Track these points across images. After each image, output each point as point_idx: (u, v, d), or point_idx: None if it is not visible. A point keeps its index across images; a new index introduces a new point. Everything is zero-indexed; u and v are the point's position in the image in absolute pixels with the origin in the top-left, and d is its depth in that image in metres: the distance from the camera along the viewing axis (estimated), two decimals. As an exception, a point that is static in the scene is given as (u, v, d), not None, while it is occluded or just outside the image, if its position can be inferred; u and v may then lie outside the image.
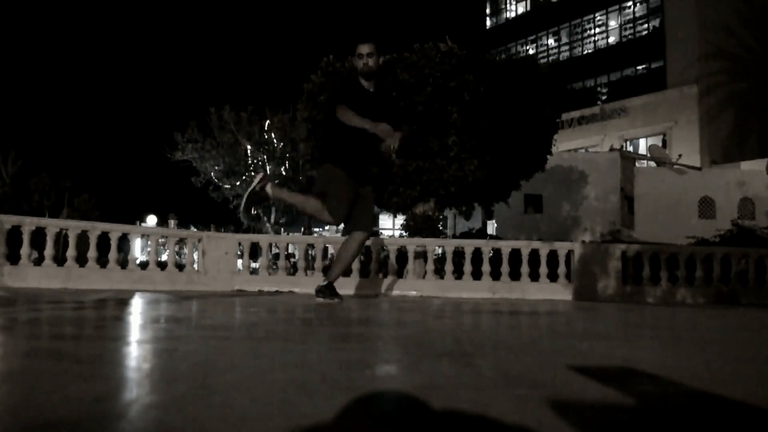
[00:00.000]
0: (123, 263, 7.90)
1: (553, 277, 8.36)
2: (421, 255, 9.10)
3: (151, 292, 6.71)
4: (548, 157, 12.06)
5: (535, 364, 2.06)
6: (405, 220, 11.77)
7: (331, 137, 5.35)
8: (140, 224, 29.82)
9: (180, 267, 8.37)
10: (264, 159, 30.28)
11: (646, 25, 31.98)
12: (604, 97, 32.51)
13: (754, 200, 21.19)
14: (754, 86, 27.74)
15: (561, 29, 35.96)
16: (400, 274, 8.65)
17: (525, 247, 8.49)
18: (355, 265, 8.02)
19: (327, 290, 5.03)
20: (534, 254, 8.42)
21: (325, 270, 8.85)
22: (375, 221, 4.94)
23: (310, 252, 10.85)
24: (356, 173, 4.99)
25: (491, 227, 24.38)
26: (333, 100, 5.38)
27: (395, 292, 7.98)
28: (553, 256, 8.44)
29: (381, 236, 13.62)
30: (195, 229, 26.15)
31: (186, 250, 8.58)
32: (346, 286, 7.02)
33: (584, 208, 21.26)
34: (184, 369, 1.76)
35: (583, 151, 29.11)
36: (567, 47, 35.71)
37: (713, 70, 27.79)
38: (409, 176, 10.70)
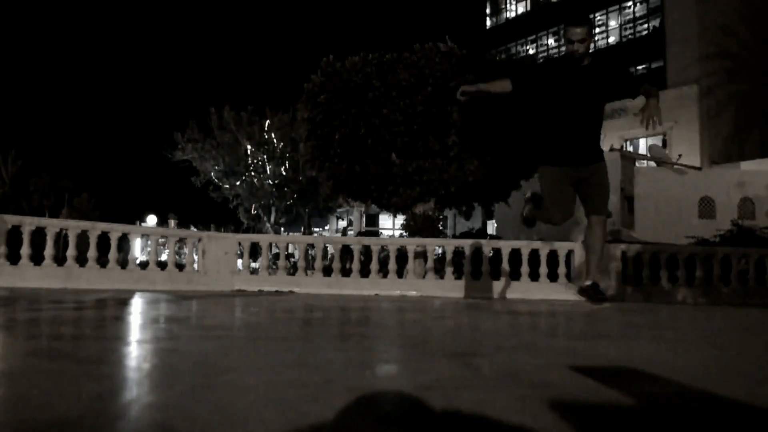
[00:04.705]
0: (123, 263, 7.89)
1: (553, 277, 8.35)
2: (421, 255, 9.10)
3: (151, 292, 6.71)
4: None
5: (535, 363, 2.06)
6: (405, 220, 11.75)
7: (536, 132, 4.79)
8: (140, 224, 29.76)
9: (180, 267, 8.36)
10: (264, 159, 30.27)
11: (646, 25, 31.98)
12: (604, 97, 32.45)
13: (754, 200, 21.17)
14: (754, 86, 27.72)
15: (561, 29, 35.91)
16: (401, 274, 8.64)
17: (525, 247, 8.48)
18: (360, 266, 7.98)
19: (592, 291, 4.46)
20: (534, 254, 8.42)
21: (326, 270, 8.86)
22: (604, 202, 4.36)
23: (310, 252, 10.85)
24: (560, 159, 4.52)
25: (491, 227, 24.35)
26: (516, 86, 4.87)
27: (396, 292, 7.99)
28: (553, 256, 8.43)
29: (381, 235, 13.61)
30: (195, 229, 26.13)
31: (186, 250, 8.58)
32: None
33: (584, 208, 21.20)
34: (184, 369, 1.76)
35: (583, 151, 29.02)
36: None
37: (713, 70, 27.76)
38: (409, 176, 10.69)
